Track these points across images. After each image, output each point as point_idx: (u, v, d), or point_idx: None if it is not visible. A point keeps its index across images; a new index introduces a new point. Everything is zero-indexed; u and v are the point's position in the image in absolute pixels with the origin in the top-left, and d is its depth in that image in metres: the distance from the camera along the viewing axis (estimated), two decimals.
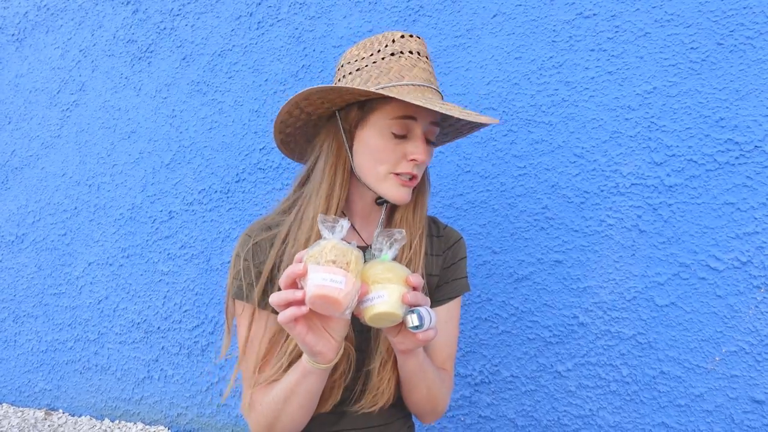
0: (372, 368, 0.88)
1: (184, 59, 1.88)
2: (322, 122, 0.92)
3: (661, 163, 1.27)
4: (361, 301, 0.67)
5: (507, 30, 1.42)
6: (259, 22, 1.75)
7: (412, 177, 0.84)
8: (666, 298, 1.27)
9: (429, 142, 0.86)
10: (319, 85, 0.79)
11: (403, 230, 0.72)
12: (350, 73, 0.84)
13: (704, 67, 1.23)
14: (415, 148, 0.82)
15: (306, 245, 0.83)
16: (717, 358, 1.23)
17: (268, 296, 0.85)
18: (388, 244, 0.71)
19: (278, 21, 1.72)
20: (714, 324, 1.23)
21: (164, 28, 1.92)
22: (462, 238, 1.02)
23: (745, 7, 1.19)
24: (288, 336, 0.85)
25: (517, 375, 1.43)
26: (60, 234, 2.16)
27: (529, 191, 1.40)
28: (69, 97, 2.13)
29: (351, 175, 0.88)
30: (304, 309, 0.65)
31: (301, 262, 0.66)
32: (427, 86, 0.82)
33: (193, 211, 1.89)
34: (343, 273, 0.63)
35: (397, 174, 0.83)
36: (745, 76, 1.19)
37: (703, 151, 1.23)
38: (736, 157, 1.20)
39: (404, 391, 0.91)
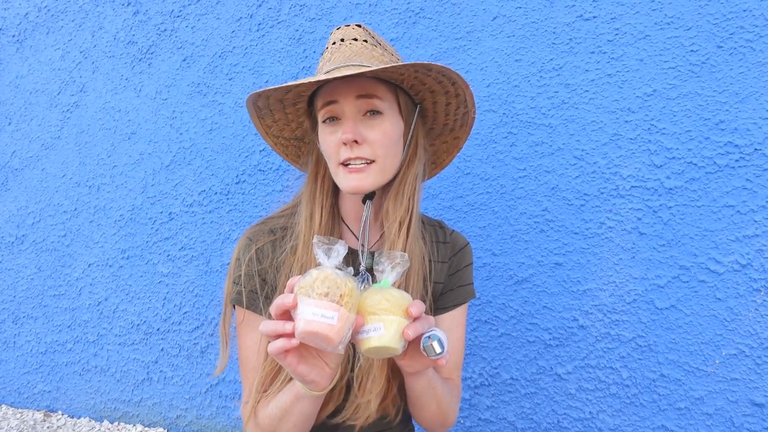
0: (353, 377, 0.86)
1: (184, 60, 1.89)
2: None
3: (661, 165, 1.27)
4: (357, 332, 0.64)
5: (507, 32, 1.42)
6: (259, 24, 1.75)
7: (366, 161, 0.79)
8: (666, 301, 1.27)
9: (373, 113, 0.80)
10: (251, 99, 0.86)
11: (406, 254, 0.69)
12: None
13: (704, 70, 1.23)
14: (343, 127, 0.79)
15: (297, 257, 0.84)
16: (717, 361, 1.23)
17: (268, 302, 0.85)
18: (390, 266, 0.68)
19: (278, 23, 1.72)
20: (714, 327, 1.23)
21: (165, 30, 1.92)
22: (468, 244, 1.00)
23: (744, 10, 1.19)
24: None
25: (516, 378, 1.43)
26: (60, 235, 2.16)
27: (529, 193, 1.40)
28: (69, 98, 2.13)
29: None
30: (294, 342, 0.62)
31: (292, 292, 0.63)
32: (343, 65, 0.79)
33: (193, 212, 1.89)
34: (335, 308, 0.60)
35: (345, 164, 0.80)
36: (744, 78, 1.19)
37: (702, 154, 1.23)
38: (736, 160, 1.20)
39: (414, 409, 0.90)
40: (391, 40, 1.55)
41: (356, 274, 0.81)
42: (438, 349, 0.64)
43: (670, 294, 1.26)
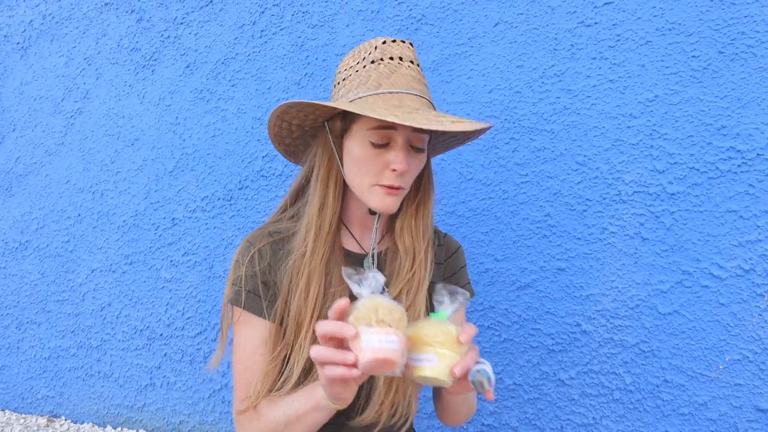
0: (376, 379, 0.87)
1: (187, 67, 1.90)
2: (316, 131, 0.91)
3: (664, 171, 1.27)
4: (410, 357, 0.65)
5: (509, 38, 1.42)
6: (262, 31, 1.76)
7: (399, 187, 0.81)
8: (669, 306, 1.27)
9: (417, 149, 0.82)
10: (291, 101, 0.79)
11: (467, 293, 0.71)
12: (338, 83, 0.85)
13: (706, 76, 1.23)
14: (396, 158, 0.79)
15: (304, 259, 0.83)
16: (720, 367, 1.23)
17: (270, 305, 0.86)
18: (449, 299, 0.69)
19: (281, 30, 1.73)
20: (717, 332, 1.23)
21: (168, 37, 1.93)
22: (460, 246, 1.03)
23: (746, 16, 1.20)
24: (293, 349, 0.85)
25: (519, 383, 1.43)
26: (63, 241, 2.17)
27: (531, 199, 1.40)
28: (73, 104, 2.14)
29: (345, 185, 0.88)
30: (356, 372, 0.62)
31: (340, 319, 0.63)
32: (406, 93, 0.79)
33: (196, 218, 1.89)
34: (396, 333, 0.61)
35: (382, 184, 0.81)
36: (746, 84, 1.20)
37: (705, 159, 1.23)
38: (738, 165, 1.20)
39: (447, 417, 0.94)
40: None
41: None
42: (487, 386, 0.67)
43: (673, 299, 1.26)
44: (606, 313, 1.33)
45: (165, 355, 1.97)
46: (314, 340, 0.78)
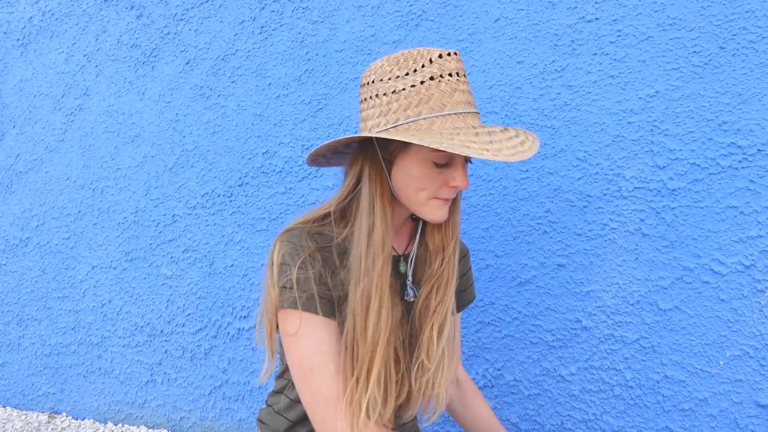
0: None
1: (187, 64, 1.89)
2: (354, 142, 0.89)
3: (664, 166, 1.27)
4: None
5: (509, 34, 1.42)
6: (262, 27, 1.76)
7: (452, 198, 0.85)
8: (669, 302, 1.27)
9: (467, 161, 0.85)
10: (383, 132, 0.77)
11: None
12: (385, 95, 0.79)
13: (707, 71, 1.23)
14: (458, 176, 0.81)
15: (371, 278, 0.81)
16: (721, 362, 1.23)
17: (330, 309, 0.82)
18: None
19: (281, 25, 1.73)
20: (718, 328, 1.23)
21: (168, 33, 1.93)
22: (468, 250, 1.07)
23: (747, 11, 1.19)
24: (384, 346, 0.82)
25: (520, 379, 1.43)
26: (64, 238, 2.17)
27: (531, 195, 1.40)
28: (73, 101, 2.14)
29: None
30: None
31: None
32: (468, 112, 0.79)
33: (196, 214, 1.89)
34: None
35: (438, 197, 0.83)
36: (747, 79, 1.19)
37: (705, 155, 1.23)
38: (739, 161, 1.20)
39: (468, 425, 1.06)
40: (394, 42, 1.56)
41: (403, 282, 0.92)
42: None
43: (674, 295, 1.26)
44: (606, 309, 1.33)
45: (165, 351, 1.98)
46: (388, 358, 0.80)
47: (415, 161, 0.81)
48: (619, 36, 1.31)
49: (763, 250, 1.18)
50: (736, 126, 1.20)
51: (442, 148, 0.69)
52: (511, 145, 0.74)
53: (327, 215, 0.89)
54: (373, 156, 0.84)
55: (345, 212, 0.89)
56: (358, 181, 0.86)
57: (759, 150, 1.18)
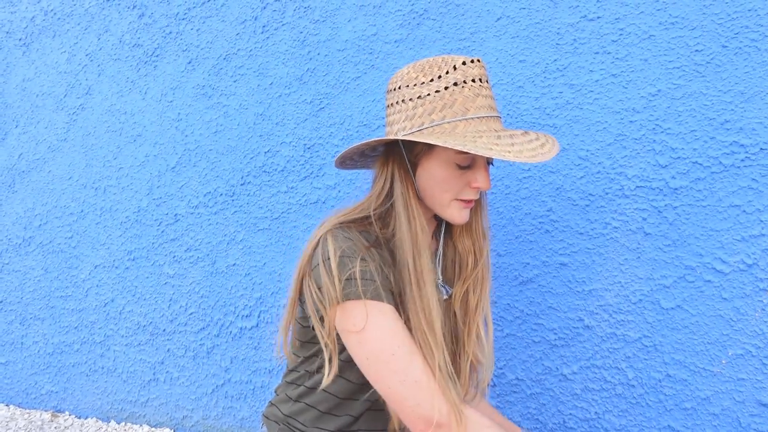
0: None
1: (189, 63, 1.90)
2: (380, 145, 0.93)
3: (666, 165, 1.27)
4: None
5: (511, 33, 1.42)
6: (264, 26, 1.76)
7: (474, 200, 0.89)
8: (672, 301, 1.27)
9: (489, 164, 0.90)
10: (409, 135, 0.80)
11: None
12: (411, 100, 0.82)
13: (709, 70, 1.23)
14: (480, 177, 0.85)
15: (417, 275, 0.84)
16: (723, 361, 1.23)
17: (393, 299, 0.83)
18: None
19: (283, 25, 1.73)
20: (720, 327, 1.23)
21: (170, 32, 1.93)
22: None
23: (750, 10, 1.19)
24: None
25: (522, 378, 1.43)
26: (66, 237, 2.18)
27: (533, 194, 1.40)
28: (75, 100, 2.14)
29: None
30: None
31: None
32: (491, 116, 0.82)
33: (198, 214, 1.89)
34: None
35: (460, 199, 0.87)
36: (750, 78, 1.19)
37: (708, 154, 1.23)
38: (742, 160, 1.20)
39: None
40: (396, 41, 1.56)
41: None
42: None
43: (676, 294, 1.26)
44: (608, 308, 1.33)
45: (168, 350, 1.98)
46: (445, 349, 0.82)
47: (438, 163, 0.84)
48: (621, 35, 1.31)
49: (766, 248, 1.18)
50: (739, 125, 1.20)
51: (465, 150, 0.72)
52: (531, 147, 0.78)
53: (367, 217, 0.89)
54: (400, 159, 0.88)
55: (383, 214, 0.91)
56: (391, 183, 0.89)
57: (761, 149, 1.18)
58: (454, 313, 0.97)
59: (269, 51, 1.76)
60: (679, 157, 1.25)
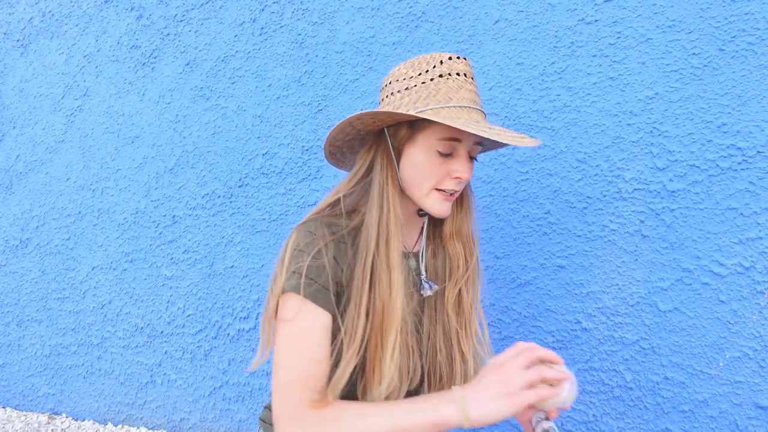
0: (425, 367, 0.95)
1: (187, 65, 1.89)
2: (369, 136, 0.94)
3: (664, 168, 1.27)
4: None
5: (509, 36, 1.42)
6: (262, 28, 1.76)
7: (453, 192, 0.88)
8: (669, 304, 1.27)
9: (473, 159, 0.89)
10: (375, 110, 0.81)
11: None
12: (399, 92, 0.86)
13: (706, 73, 1.23)
14: (460, 167, 0.85)
15: (380, 261, 0.85)
16: (721, 364, 1.23)
17: (330, 301, 0.84)
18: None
19: (281, 27, 1.73)
20: (717, 329, 1.23)
21: (168, 34, 1.93)
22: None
23: (746, 14, 1.19)
24: (368, 349, 0.85)
25: None
26: (64, 238, 2.17)
27: (531, 196, 1.40)
28: (73, 102, 2.14)
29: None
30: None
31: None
32: (473, 107, 0.84)
33: (196, 215, 1.89)
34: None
35: (440, 189, 0.87)
36: (747, 81, 1.20)
37: (705, 157, 1.23)
38: (739, 163, 1.20)
39: None
40: (394, 44, 1.56)
41: (418, 279, 0.95)
42: None
43: (673, 297, 1.26)
44: (606, 311, 1.33)
45: (165, 352, 1.98)
46: (399, 342, 0.83)
47: (420, 150, 0.85)
48: (618, 38, 1.31)
49: (763, 251, 1.19)
50: (736, 128, 1.20)
51: (444, 122, 0.75)
52: (510, 134, 0.80)
53: (337, 202, 0.92)
54: (385, 146, 0.89)
55: (355, 201, 0.93)
56: (369, 169, 0.90)
57: (758, 152, 1.18)
58: (447, 314, 0.98)
59: (267, 53, 1.76)
60: (676, 160, 1.26)
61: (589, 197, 1.34)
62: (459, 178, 0.85)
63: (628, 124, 1.30)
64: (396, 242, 0.86)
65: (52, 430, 2.12)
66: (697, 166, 1.24)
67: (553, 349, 1.38)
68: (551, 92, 1.38)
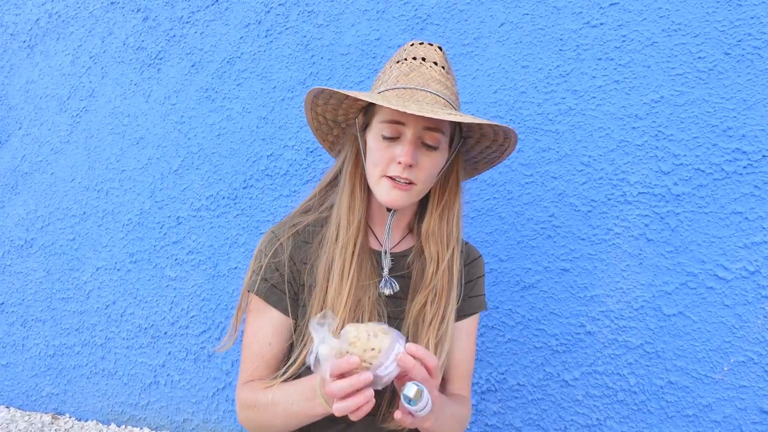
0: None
1: (193, 66, 1.90)
2: (351, 128, 0.95)
3: (669, 172, 1.27)
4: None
5: (514, 39, 1.42)
6: (267, 30, 1.77)
7: (409, 182, 0.83)
8: (674, 308, 1.27)
9: (430, 147, 0.84)
10: (319, 87, 0.84)
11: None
12: (374, 82, 0.91)
13: (711, 77, 1.23)
14: (401, 151, 0.82)
15: (336, 253, 0.86)
16: (725, 368, 1.23)
17: (291, 300, 0.89)
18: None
19: (287, 29, 1.74)
20: (722, 334, 1.22)
21: (174, 36, 1.94)
22: (481, 256, 1.05)
23: (752, 17, 1.19)
24: (296, 344, 0.89)
25: (523, 383, 1.43)
26: (68, 239, 2.18)
27: (536, 199, 1.40)
28: (79, 103, 2.15)
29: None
30: (372, 402, 0.69)
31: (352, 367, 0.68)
32: (421, 89, 0.82)
33: (200, 217, 1.90)
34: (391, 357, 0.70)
35: (391, 177, 0.83)
36: (752, 85, 1.20)
37: (710, 161, 1.23)
38: (744, 167, 1.20)
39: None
40: (399, 46, 1.56)
41: (381, 277, 0.90)
42: (406, 402, 0.70)
43: (678, 301, 1.26)
44: (610, 314, 1.33)
45: (169, 353, 1.98)
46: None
47: (372, 136, 0.86)
48: (623, 41, 1.31)
49: None
50: (741, 132, 1.20)
51: (366, 99, 0.76)
52: (430, 109, 0.75)
53: (313, 196, 0.97)
54: (355, 137, 0.92)
55: (328, 194, 0.96)
56: (343, 162, 0.93)
57: (764, 156, 1.18)
58: (408, 323, 0.90)
59: (273, 55, 1.76)
60: (681, 164, 1.26)
61: (593, 200, 1.34)
62: (401, 163, 0.81)
63: (633, 128, 1.30)
64: (355, 235, 0.86)
65: (55, 430, 2.13)
66: (702, 170, 1.24)
67: (557, 352, 1.38)
68: (556, 95, 1.38)
